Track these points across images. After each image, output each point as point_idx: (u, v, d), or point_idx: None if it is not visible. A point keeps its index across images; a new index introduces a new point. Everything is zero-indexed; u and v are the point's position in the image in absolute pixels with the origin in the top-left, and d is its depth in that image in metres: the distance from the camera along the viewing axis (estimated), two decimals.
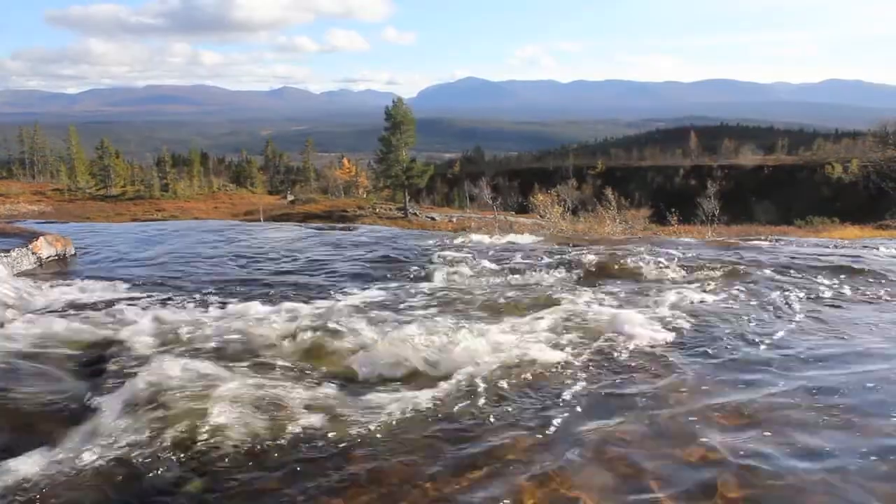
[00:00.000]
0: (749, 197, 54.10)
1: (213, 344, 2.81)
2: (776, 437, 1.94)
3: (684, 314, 3.29)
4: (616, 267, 4.46)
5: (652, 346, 2.83)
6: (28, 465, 1.79)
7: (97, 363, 2.66)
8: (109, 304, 3.53)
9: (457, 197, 61.55)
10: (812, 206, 46.44)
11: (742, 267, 4.39)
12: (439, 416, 2.13)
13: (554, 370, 2.53)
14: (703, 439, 1.93)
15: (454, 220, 38.60)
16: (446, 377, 2.42)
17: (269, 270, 4.60)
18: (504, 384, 2.37)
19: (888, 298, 3.66)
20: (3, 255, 4.24)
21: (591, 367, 2.57)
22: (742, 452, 1.85)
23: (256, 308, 3.40)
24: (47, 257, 4.69)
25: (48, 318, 3.23)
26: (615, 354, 2.73)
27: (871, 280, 4.05)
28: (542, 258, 4.88)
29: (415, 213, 41.89)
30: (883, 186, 35.06)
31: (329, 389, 2.35)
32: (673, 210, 24.02)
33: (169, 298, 3.67)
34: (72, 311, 3.37)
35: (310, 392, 2.30)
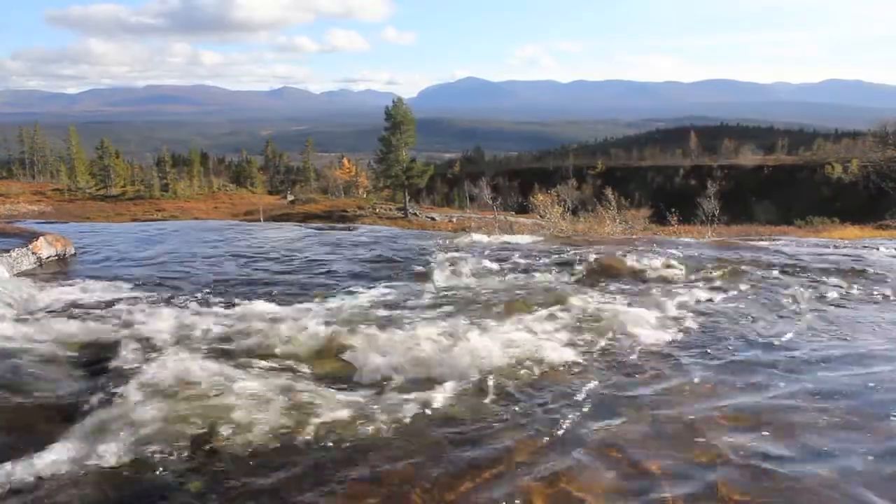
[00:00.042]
0: (749, 197, 54.07)
1: (213, 344, 2.81)
2: (782, 438, 1.94)
3: (688, 314, 3.29)
4: (617, 267, 4.46)
5: (657, 346, 2.83)
6: (28, 464, 1.79)
7: (97, 363, 2.66)
8: (109, 304, 3.53)
9: (457, 197, 61.52)
10: (812, 206, 46.40)
11: (743, 267, 4.39)
12: (445, 416, 2.12)
13: (559, 370, 2.53)
14: (710, 441, 1.93)
15: (454, 220, 38.59)
16: (451, 377, 2.42)
17: (269, 270, 4.59)
18: (510, 384, 2.37)
19: (889, 299, 3.66)
20: (3, 255, 4.24)
21: (596, 367, 2.57)
22: (749, 454, 1.85)
23: (257, 308, 3.40)
24: (47, 257, 4.69)
25: (48, 318, 3.22)
26: (620, 354, 2.73)
27: (872, 280, 4.05)
28: (542, 258, 4.87)
29: (415, 213, 41.88)
30: (883, 186, 35.02)
31: (332, 390, 2.35)
32: (673, 210, 23.96)
33: (169, 298, 3.67)
34: (72, 311, 3.37)
35: (313, 393, 2.29)
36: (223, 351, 2.72)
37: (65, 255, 4.89)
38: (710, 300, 3.61)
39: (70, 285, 3.95)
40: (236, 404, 2.12)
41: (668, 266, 4.40)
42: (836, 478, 1.72)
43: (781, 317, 3.28)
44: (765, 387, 2.35)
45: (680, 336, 2.98)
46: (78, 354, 2.77)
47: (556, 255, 4.96)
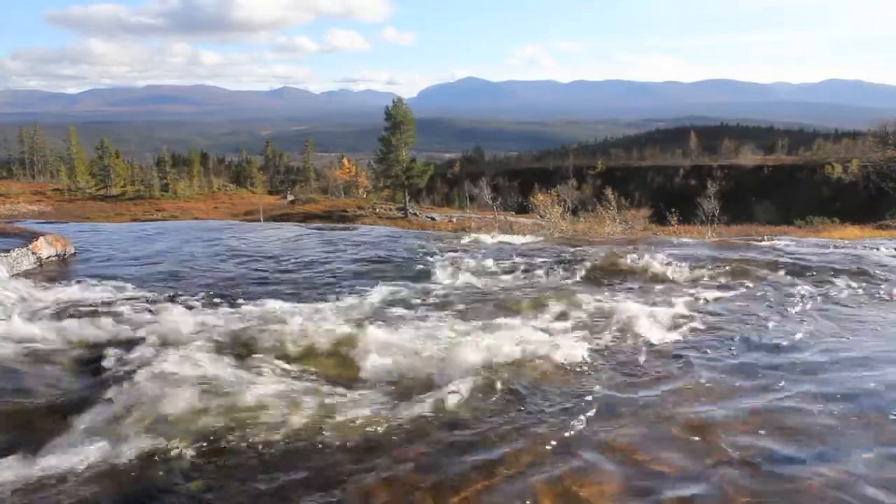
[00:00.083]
0: (749, 197, 54.05)
1: (213, 344, 2.80)
2: (789, 439, 1.94)
3: (691, 314, 3.29)
4: (619, 267, 4.46)
5: (662, 346, 2.83)
6: (28, 464, 1.78)
7: (97, 363, 2.65)
8: (109, 303, 3.53)
9: (457, 197, 61.50)
10: (812, 206, 46.39)
11: (745, 267, 4.39)
12: (451, 417, 2.12)
13: (564, 370, 2.53)
14: (718, 442, 1.93)
15: (454, 220, 38.58)
16: (456, 377, 2.40)
17: (269, 270, 4.59)
18: (516, 384, 2.37)
19: (890, 298, 3.66)
20: (3, 255, 4.23)
21: (602, 367, 2.57)
22: (756, 455, 1.84)
23: (258, 308, 3.40)
24: (47, 257, 4.69)
25: (48, 317, 3.22)
26: (626, 354, 2.72)
27: (875, 281, 4.05)
28: (543, 258, 4.87)
29: (415, 214, 41.86)
30: (883, 186, 35.00)
31: (337, 390, 2.34)
32: (673, 210, 23.96)
33: (169, 298, 3.66)
34: (72, 311, 3.36)
35: (318, 393, 2.29)
36: (224, 350, 2.72)
37: (65, 255, 4.89)
38: (712, 300, 3.60)
39: (70, 285, 3.95)
40: (238, 404, 2.12)
41: (670, 266, 4.40)
42: (843, 479, 1.72)
43: (785, 317, 3.28)
44: (771, 388, 2.34)
45: (684, 336, 2.98)
46: (78, 354, 2.77)
47: (557, 255, 4.96)
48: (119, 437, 1.91)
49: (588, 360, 2.65)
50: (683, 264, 4.47)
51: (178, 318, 3.18)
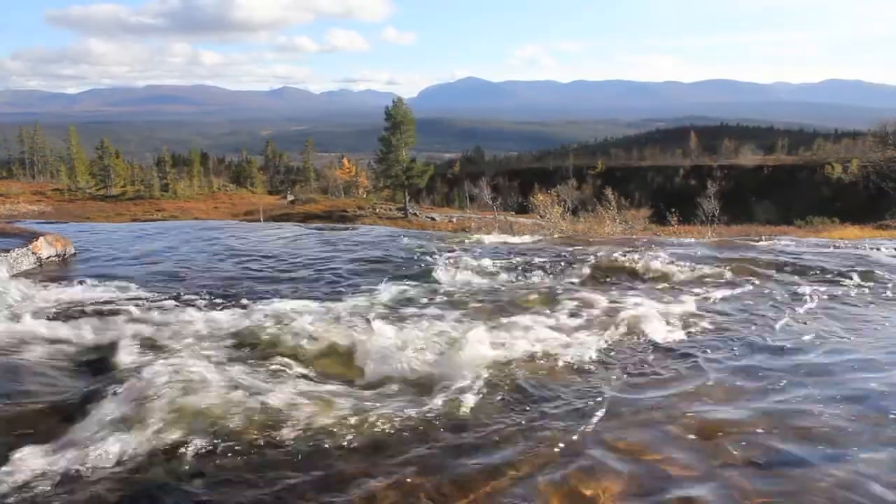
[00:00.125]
0: (749, 197, 54.08)
1: (215, 344, 2.79)
2: (797, 439, 1.93)
3: (694, 314, 3.28)
4: (620, 267, 4.45)
5: (667, 346, 2.82)
6: (28, 465, 1.77)
7: (97, 363, 2.65)
8: (109, 303, 3.52)
9: (457, 197, 61.50)
10: (812, 206, 46.40)
11: (745, 266, 4.39)
12: (456, 417, 2.10)
13: (569, 370, 2.52)
14: (726, 442, 1.91)
15: (454, 220, 38.60)
16: (459, 378, 2.39)
17: (270, 270, 4.59)
18: (520, 384, 2.36)
19: (891, 298, 3.65)
20: (3, 255, 4.23)
21: (606, 367, 2.56)
22: (764, 456, 1.83)
23: (259, 307, 3.39)
24: (47, 257, 4.68)
25: (48, 318, 3.22)
26: (630, 354, 2.72)
27: (874, 280, 4.04)
28: (544, 258, 4.87)
29: (415, 214, 41.88)
30: (883, 186, 35.00)
31: (339, 390, 2.33)
32: (673, 210, 23.99)
33: (169, 298, 3.65)
34: (72, 311, 3.36)
35: (321, 393, 2.27)
36: (225, 350, 2.71)
37: (65, 255, 4.89)
38: (714, 300, 3.60)
39: (70, 285, 3.94)
40: (240, 404, 2.11)
41: (670, 266, 4.40)
42: (853, 480, 1.71)
43: (789, 317, 3.27)
44: (778, 389, 2.33)
45: (689, 336, 2.97)
46: (78, 354, 2.76)
47: (558, 255, 4.95)
48: (120, 438, 1.91)
49: (594, 359, 2.64)
50: (684, 264, 4.46)
51: (178, 317, 3.17)
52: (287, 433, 1.97)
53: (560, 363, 2.59)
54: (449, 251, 5.24)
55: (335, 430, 2.00)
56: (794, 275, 4.19)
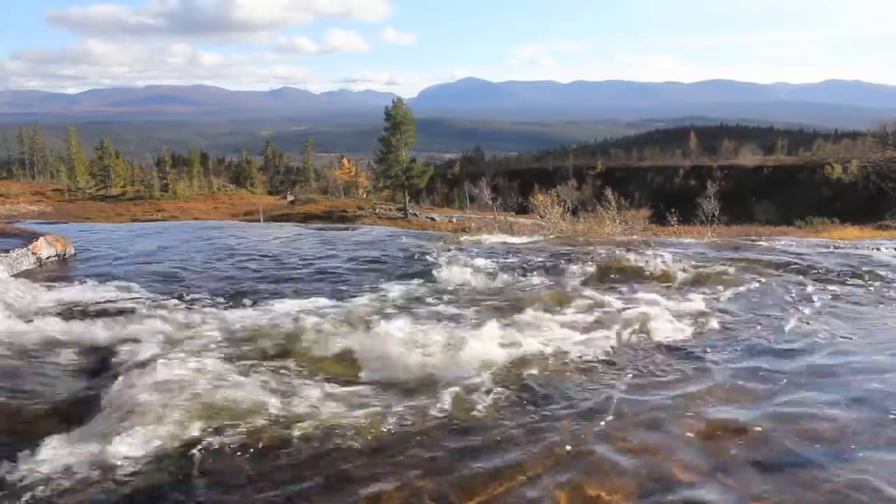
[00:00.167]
0: (749, 197, 54.05)
1: (214, 343, 2.79)
2: (806, 441, 1.93)
3: (696, 314, 3.28)
4: (621, 267, 4.45)
5: (672, 345, 2.82)
6: (28, 465, 1.77)
7: (97, 363, 2.64)
8: (109, 304, 3.52)
9: (457, 197, 61.47)
10: (812, 206, 46.38)
11: (746, 266, 4.39)
12: (460, 418, 2.10)
13: (575, 369, 2.52)
14: (733, 443, 1.91)
15: (454, 220, 38.57)
16: (462, 378, 2.39)
17: (270, 270, 4.58)
18: (525, 384, 2.35)
19: (894, 298, 3.66)
20: (3, 255, 4.23)
21: (610, 368, 2.55)
22: (773, 457, 1.83)
23: (259, 307, 3.39)
24: (47, 257, 4.68)
25: (48, 318, 3.21)
26: (633, 354, 2.71)
27: (874, 280, 4.04)
28: (544, 258, 4.86)
29: (415, 214, 41.86)
30: (883, 187, 35.00)
31: (341, 391, 2.32)
32: (673, 210, 23.95)
33: (168, 298, 3.65)
34: (72, 311, 3.35)
35: (326, 394, 2.26)
36: (228, 350, 2.71)
37: (65, 255, 4.88)
38: (718, 300, 3.59)
39: (70, 285, 3.94)
40: (241, 404, 2.10)
41: (671, 265, 4.40)
42: (862, 480, 1.70)
43: (792, 317, 3.26)
44: (785, 389, 2.32)
45: (693, 336, 2.96)
46: (78, 354, 2.76)
47: (558, 255, 4.95)
48: (120, 438, 1.90)
49: (600, 358, 2.63)
50: (685, 264, 4.46)
51: (179, 317, 3.17)
52: (291, 433, 1.96)
53: (566, 362, 2.58)
54: (449, 251, 5.24)
55: (339, 430, 1.99)
56: (797, 275, 4.19)
